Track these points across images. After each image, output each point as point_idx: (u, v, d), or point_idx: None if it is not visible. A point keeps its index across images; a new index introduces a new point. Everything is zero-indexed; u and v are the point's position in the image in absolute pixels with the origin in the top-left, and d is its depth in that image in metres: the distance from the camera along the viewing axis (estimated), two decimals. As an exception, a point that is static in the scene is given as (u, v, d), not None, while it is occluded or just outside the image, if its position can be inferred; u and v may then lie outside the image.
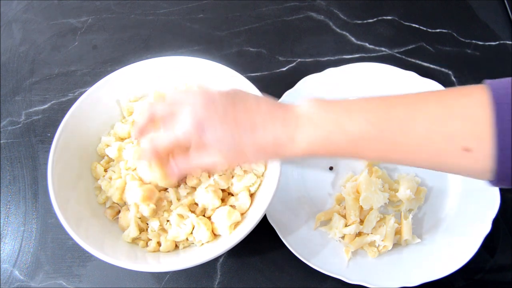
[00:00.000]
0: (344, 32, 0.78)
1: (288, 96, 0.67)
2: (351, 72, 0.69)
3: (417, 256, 0.57)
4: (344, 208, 0.60)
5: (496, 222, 0.57)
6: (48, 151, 0.54)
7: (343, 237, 0.59)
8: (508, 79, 0.38)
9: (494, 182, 0.39)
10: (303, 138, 0.42)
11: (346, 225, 0.58)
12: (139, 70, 0.60)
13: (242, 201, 0.55)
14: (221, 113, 0.44)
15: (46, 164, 0.55)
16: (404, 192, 0.59)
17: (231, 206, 0.55)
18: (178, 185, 0.57)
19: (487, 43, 0.76)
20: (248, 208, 0.55)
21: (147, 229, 0.56)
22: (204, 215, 0.56)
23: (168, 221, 0.55)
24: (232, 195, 0.57)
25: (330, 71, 0.69)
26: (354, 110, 0.42)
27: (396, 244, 0.58)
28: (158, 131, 0.50)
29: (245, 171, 0.56)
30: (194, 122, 0.44)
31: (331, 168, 0.64)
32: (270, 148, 0.44)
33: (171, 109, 0.47)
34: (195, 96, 0.45)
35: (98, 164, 0.59)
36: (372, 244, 0.58)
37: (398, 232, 0.58)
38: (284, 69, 0.75)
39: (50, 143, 0.54)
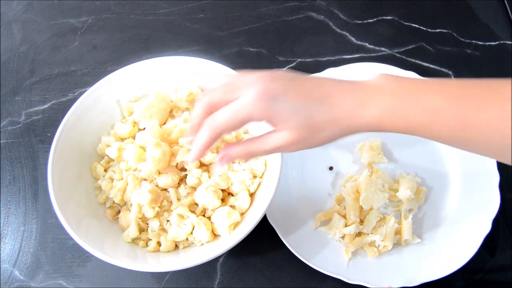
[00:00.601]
0: (344, 32, 0.78)
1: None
2: (351, 72, 0.69)
3: (417, 256, 0.57)
4: (344, 208, 0.60)
5: (496, 222, 0.57)
6: (48, 151, 0.54)
7: (343, 237, 0.59)
8: None
9: None
10: (376, 104, 0.39)
11: (346, 225, 0.58)
12: (139, 70, 0.60)
13: (242, 201, 0.55)
14: (287, 85, 0.40)
15: (46, 164, 0.55)
16: (404, 192, 0.59)
17: (231, 206, 0.55)
18: (178, 185, 0.57)
19: (487, 43, 0.76)
20: (248, 208, 0.55)
21: (147, 229, 0.56)
22: (204, 215, 0.56)
23: (168, 221, 0.56)
24: (232, 195, 0.57)
25: (330, 71, 0.69)
26: (428, 85, 0.40)
27: (396, 244, 0.58)
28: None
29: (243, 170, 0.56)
30: (261, 94, 0.40)
31: (331, 168, 0.65)
32: (342, 118, 0.40)
33: (231, 93, 0.42)
34: (256, 76, 0.41)
35: (98, 164, 0.59)
36: (372, 244, 0.58)
37: (398, 232, 0.58)
38: (284, 69, 0.75)
39: (50, 143, 0.55)
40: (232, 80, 0.43)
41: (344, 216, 0.59)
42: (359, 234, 0.59)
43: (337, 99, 0.40)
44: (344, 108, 0.40)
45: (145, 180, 0.56)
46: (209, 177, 0.56)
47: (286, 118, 0.40)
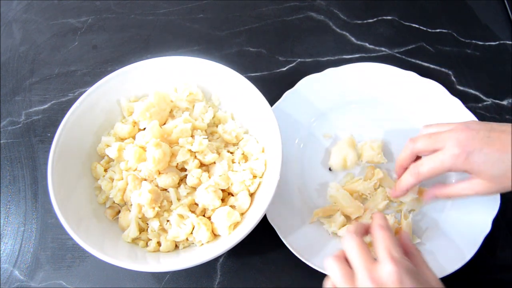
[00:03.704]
0: (344, 32, 0.78)
1: (288, 96, 0.67)
2: (351, 72, 0.69)
3: (417, 256, 0.57)
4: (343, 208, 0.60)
5: (496, 222, 0.57)
6: (48, 151, 0.54)
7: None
8: None
9: None
10: None
11: (344, 225, 0.58)
12: (139, 70, 0.60)
13: (242, 201, 0.55)
14: (484, 139, 0.46)
15: (46, 164, 0.55)
16: (407, 194, 0.59)
17: (231, 206, 0.55)
18: (178, 185, 0.57)
19: (487, 43, 0.76)
20: (248, 208, 0.55)
21: (147, 229, 0.56)
22: (204, 215, 0.56)
23: (168, 221, 0.56)
24: (232, 195, 0.57)
25: (330, 71, 0.69)
26: None
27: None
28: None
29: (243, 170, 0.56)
30: (461, 148, 0.46)
31: (330, 169, 0.64)
32: None
33: (433, 142, 0.49)
34: (455, 129, 0.48)
35: (98, 164, 0.59)
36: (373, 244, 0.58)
37: (397, 232, 0.58)
38: (284, 69, 0.75)
39: (50, 143, 0.55)
40: (434, 131, 0.51)
41: (346, 215, 0.59)
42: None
43: None
44: None
45: (145, 180, 0.56)
46: (209, 177, 0.56)
47: (483, 170, 0.47)
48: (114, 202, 0.57)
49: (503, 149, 0.46)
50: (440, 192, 0.54)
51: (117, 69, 0.60)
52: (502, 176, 0.46)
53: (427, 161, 0.50)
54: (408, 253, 0.46)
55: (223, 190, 0.56)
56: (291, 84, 0.68)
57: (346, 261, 0.45)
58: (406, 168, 0.54)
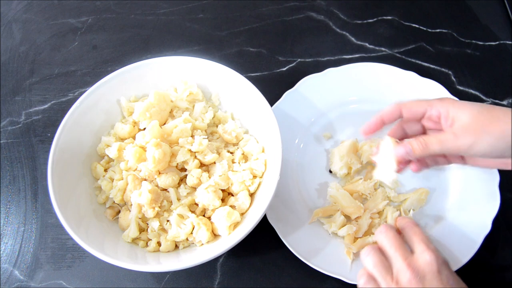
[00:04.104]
0: (344, 32, 0.78)
1: (288, 96, 0.67)
2: (351, 72, 0.69)
3: (417, 256, 0.57)
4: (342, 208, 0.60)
5: (496, 222, 0.57)
6: (48, 151, 0.54)
7: (343, 238, 0.59)
8: None
9: None
10: None
11: (344, 225, 0.58)
12: (139, 70, 0.60)
13: (242, 201, 0.55)
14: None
15: (46, 164, 0.55)
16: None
17: (231, 206, 0.55)
18: (178, 185, 0.57)
19: (487, 43, 0.76)
20: (248, 208, 0.55)
21: (147, 229, 0.56)
22: (204, 215, 0.56)
23: (168, 221, 0.56)
24: (232, 195, 0.57)
25: (330, 71, 0.69)
26: None
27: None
28: None
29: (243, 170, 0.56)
30: (448, 98, 0.48)
31: (330, 172, 0.64)
32: None
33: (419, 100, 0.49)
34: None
35: (98, 164, 0.59)
36: (374, 244, 0.58)
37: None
38: (284, 69, 0.75)
39: (50, 143, 0.55)
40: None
41: (346, 215, 0.59)
42: (358, 234, 0.59)
43: None
44: None
45: (145, 180, 0.56)
46: (209, 177, 0.56)
47: (466, 106, 0.46)
48: (114, 202, 0.57)
49: (488, 113, 0.45)
50: (417, 143, 0.48)
51: (117, 69, 0.60)
52: (484, 113, 0.45)
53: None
54: (403, 233, 0.48)
55: (223, 190, 0.56)
56: (291, 84, 0.68)
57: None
58: (382, 121, 0.52)
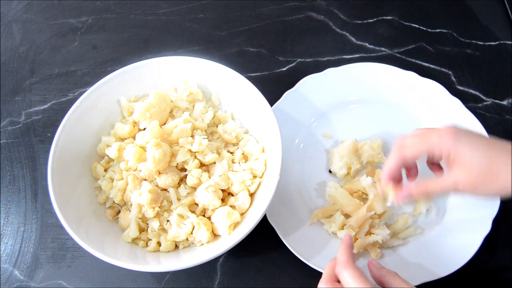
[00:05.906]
0: (344, 32, 0.78)
1: (288, 96, 0.67)
2: (351, 72, 0.69)
3: (417, 256, 0.57)
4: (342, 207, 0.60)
5: (496, 222, 0.57)
6: (48, 151, 0.54)
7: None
8: None
9: None
10: None
11: (344, 225, 0.58)
12: (139, 70, 0.60)
13: (242, 201, 0.55)
14: (470, 134, 0.46)
15: (46, 164, 0.55)
16: None
17: (231, 206, 0.55)
18: (178, 185, 0.57)
19: (487, 43, 0.76)
20: (248, 208, 0.55)
21: (147, 229, 0.56)
22: (204, 215, 0.56)
23: (168, 221, 0.56)
24: (232, 195, 0.57)
25: (330, 71, 0.69)
26: None
27: (397, 244, 0.58)
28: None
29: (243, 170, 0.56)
30: (451, 131, 0.45)
31: (330, 172, 0.64)
32: None
33: (421, 139, 0.47)
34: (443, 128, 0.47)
35: (98, 164, 0.59)
36: (374, 244, 0.58)
37: (401, 231, 0.58)
38: (284, 69, 0.75)
39: (50, 143, 0.55)
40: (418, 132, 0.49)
41: (345, 215, 0.59)
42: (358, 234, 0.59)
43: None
44: None
45: (145, 180, 0.56)
46: (209, 177, 0.56)
47: (466, 158, 0.44)
48: (114, 202, 0.57)
49: (488, 145, 0.44)
50: (417, 189, 0.49)
51: (117, 69, 0.60)
52: (482, 170, 0.44)
53: (413, 141, 0.48)
54: (383, 282, 0.47)
55: (223, 190, 0.56)
56: (291, 84, 0.68)
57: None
58: (392, 178, 0.50)
